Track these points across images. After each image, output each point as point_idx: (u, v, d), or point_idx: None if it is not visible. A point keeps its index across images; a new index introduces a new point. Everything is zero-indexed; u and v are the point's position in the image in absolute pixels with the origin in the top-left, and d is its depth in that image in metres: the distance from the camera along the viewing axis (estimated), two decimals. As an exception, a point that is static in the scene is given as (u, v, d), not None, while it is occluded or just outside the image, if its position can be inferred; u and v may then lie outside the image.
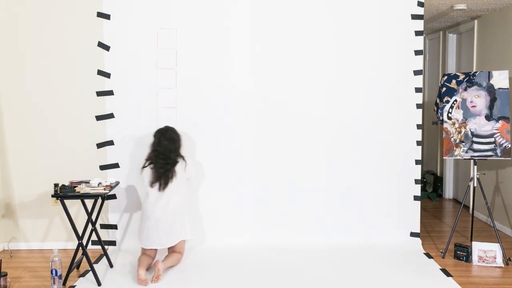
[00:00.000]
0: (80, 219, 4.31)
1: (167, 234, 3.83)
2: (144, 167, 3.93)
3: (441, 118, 4.35)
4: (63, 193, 3.55)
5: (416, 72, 4.47)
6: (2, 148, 4.42)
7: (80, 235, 3.63)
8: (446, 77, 4.37)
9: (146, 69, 4.38)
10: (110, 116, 4.41)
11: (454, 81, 4.33)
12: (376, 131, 4.49)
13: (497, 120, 4.20)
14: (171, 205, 3.84)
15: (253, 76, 4.44)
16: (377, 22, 4.43)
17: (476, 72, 4.31)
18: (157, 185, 3.85)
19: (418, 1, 4.42)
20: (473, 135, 4.23)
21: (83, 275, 3.78)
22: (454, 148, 4.27)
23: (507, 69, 4.43)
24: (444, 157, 4.37)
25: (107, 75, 4.38)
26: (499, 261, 4.02)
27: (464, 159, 4.46)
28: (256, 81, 4.44)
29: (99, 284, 3.58)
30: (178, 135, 4.02)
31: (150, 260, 3.82)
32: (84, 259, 3.80)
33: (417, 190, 4.54)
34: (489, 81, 4.25)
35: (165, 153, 3.90)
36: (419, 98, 4.48)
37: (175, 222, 3.85)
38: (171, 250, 3.95)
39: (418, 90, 4.48)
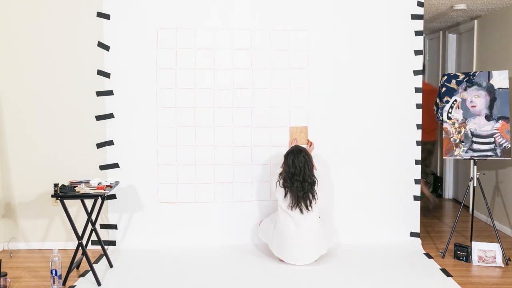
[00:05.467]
0: (80, 219, 4.31)
1: (309, 252, 3.90)
2: (278, 183, 3.95)
3: (441, 118, 4.36)
4: (63, 193, 3.55)
5: (416, 72, 4.47)
6: (2, 148, 4.41)
7: (80, 235, 3.63)
8: (446, 77, 4.37)
9: (146, 69, 4.38)
10: (110, 116, 4.41)
11: (454, 81, 4.33)
12: (376, 131, 4.49)
13: (497, 120, 4.20)
14: (312, 227, 3.90)
15: (254, 76, 4.44)
16: (377, 22, 4.43)
17: (476, 72, 4.32)
18: (297, 209, 3.86)
19: (418, 1, 4.42)
20: (473, 135, 4.23)
21: (83, 275, 3.78)
22: (454, 148, 4.27)
23: (507, 69, 4.43)
24: (444, 157, 4.37)
25: (107, 75, 4.38)
26: (499, 261, 4.02)
27: (464, 159, 4.46)
28: (256, 81, 4.44)
29: (99, 284, 3.58)
30: (309, 156, 3.98)
31: None
32: (84, 259, 3.79)
33: (417, 190, 4.54)
34: (489, 81, 4.25)
35: (301, 175, 3.87)
36: (419, 98, 4.48)
37: (315, 241, 3.91)
38: None
39: (418, 90, 4.48)
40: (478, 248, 4.08)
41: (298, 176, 3.86)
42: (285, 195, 3.90)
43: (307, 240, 3.89)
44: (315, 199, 3.90)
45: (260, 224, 4.29)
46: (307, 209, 3.86)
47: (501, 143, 4.18)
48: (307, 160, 3.91)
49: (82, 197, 3.56)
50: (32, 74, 4.38)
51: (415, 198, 4.54)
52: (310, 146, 4.32)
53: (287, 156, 3.96)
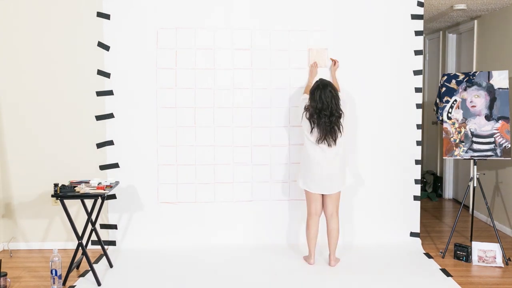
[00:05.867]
0: (80, 219, 4.31)
1: (332, 183, 3.90)
2: (304, 115, 3.89)
3: (440, 118, 4.35)
4: (63, 193, 3.55)
5: (416, 72, 4.47)
6: (2, 148, 4.41)
7: (80, 235, 3.63)
8: (446, 77, 4.37)
9: (146, 69, 4.38)
10: (110, 116, 4.41)
11: (454, 81, 4.33)
12: (376, 131, 4.49)
13: (497, 120, 4.20)
14: (338, 158, 3.89)
15: (254, 76, 4.44)
16: (377, 22, 4.43)
17: (476, 72, 4.32)
18: (325, 142, 3.83)
19: (418, 1, 4.42)
20: (473, 135, 4.23)
21: (83, 275, 3.78)
22: (454, 148, 4.27)
23: (507, 69, 4.43)
24: (444, 157, 4.37)
25: (107, 75, 4.38)
26: (499, 261, 4.02)
27: (464, 159, 4.46)
28: (256, 81, 4.44)
29: (99, 284, 3.58)
30: (335, 89, 3.90)
31: (317, 226, 4.02)
32: (84, 259, 3.79)
33: (417, 190, 4.54)
34: (489, 81, 4.25)
35: (328, 110, 3.79)
36: (419, 98, 4.48)
37: (339, 172, 3.92)
38: (329, 209, 3.99)
39: (418, 90, 4.48)
40: (478, 248, 4.08)
41: (325, 111, 3.79)
42: (312, 130, 3.85)
43: (333, 170, 3.88)
44: (340, 132, 3.85)
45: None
46: (335, 143, 3.83)
47: (501, 143, 4.18)
48: (334, 95, 3.83)
49: (82, 197, 3.56)
50: (32, 74, 4.37)
51: (415, 198, 4.54)
52: (334, 65, 4.32)
53: (313, 91, 3.86)
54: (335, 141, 3.84)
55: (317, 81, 3.93)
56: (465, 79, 4.30)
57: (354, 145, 4.48)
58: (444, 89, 4.34)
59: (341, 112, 3.86)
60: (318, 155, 3.87)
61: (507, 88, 4.21)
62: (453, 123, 4.29)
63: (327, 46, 4.43)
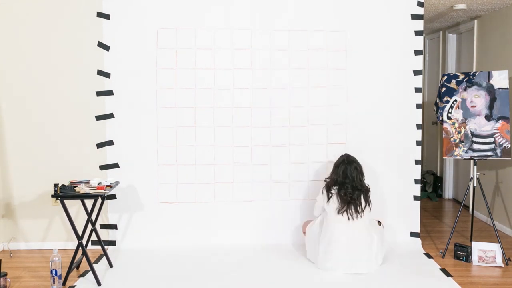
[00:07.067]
0: (80, 219, 4.30)
1: (352, 262, 3.75)
2: (324, 191, 3.86)
3: (440, 118, 4.35)
4: (63, 193, 3.55)
5: (416, 72, 4.47)
6: (2, 148, 4.41)
7: (80, 235, 3.63)
8: (445, 77, 4.37)
9: (146, 69, 4.38)
10: (110, 116, 4.41)
11: (454, 81, 4.33)
12: (376, 131, 4.49)
13: (497, 120, 4.20)
14: (361, 236, 3.77)
15: (254, 76, 4.44)
16: (377, 22, 4.43)
17: (476, 72, 4.31)
18: (345, 214, 3.76)
19: (418, 1, 4.42)
20: (473, 135, 4.23)
21: (83, 275, 3.78)
22: (454, 148, 4.27)
23: (507, 69, 4.43)
24: (444, 157, 4.37)
25: (107, 75, 4.38)
26: (499, 261, 4.01)
27: (464, 159, 4.46)
28: (256, 81, 4.44)
29: (99, 284, 3.58)
30: (361, 166, 3.91)
31: None
32: (84, 259, 3.79)
33: (417, 190, 4.54)
34: (489, 81, 4.25)
35: (350, 183, 3.80)
36: (419, 98, 4.48)
37: (363, 253, 3.76)
38: None
39: (418, 90, 4.48)
40: (478, 248, 4.08)
41: (347, 184, 3.79)
42: (329, 199, 3.80)
43: (356, 247, 3.74)
44: (368, 205, 3.81)
45: (306, 231, 4.13)
46: (356, 214, 3.75)
47: (501, 143, 4.18)
48: (358, 171, 3.84)
49: (82, 197, 3.56)
50: (32, 74, 4.37)
51: (415, 198, 4.54)
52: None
53: (338, 165, 3.87)
54: (356, 215, 3.74)
55: (342, 156, 3.94)
56: (465, 79, 4.30)
57: (354, 145, 4.47)
58: (444, 89, 4.34)
59: (367, 186, 3.85)
60: (337, 234, 3.74)
61: (507, 88, 4.21)
62: (453, 123, 4.29)
63: (327, 46, 4.43)
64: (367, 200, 3.83)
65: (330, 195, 3.82)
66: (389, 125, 4.49)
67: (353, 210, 3.77)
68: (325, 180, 3.97)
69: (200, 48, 4.40)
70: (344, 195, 3.77)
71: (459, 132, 4.26)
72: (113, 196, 4.42)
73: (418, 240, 4.51)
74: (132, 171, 4.42)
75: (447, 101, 4.32)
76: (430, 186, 6.62)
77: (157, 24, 4.36)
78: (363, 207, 3.80)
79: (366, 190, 3.85)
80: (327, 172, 4.47)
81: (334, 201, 3.81)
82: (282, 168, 4.50)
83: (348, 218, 3.77)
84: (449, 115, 4.30)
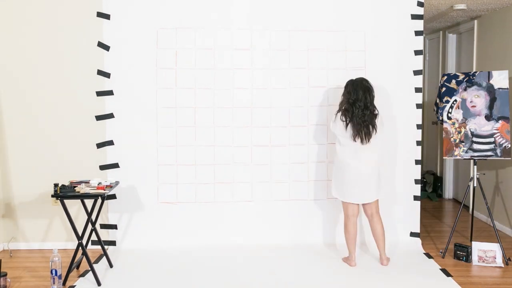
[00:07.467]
0: (80, 219, 4.31)
1: (368, 190, 3.80)
2: (338, 115, 3.84)
3: (441, 118, 4.35)
4: (63, 193, 3.55)
5: (416, 72, 4.47)
6: (2, 148, 4.41)
7: (80, 235, 3.63)
8: (445, 77, 4.37)
9: (146, 69, 4.38)
10: (110, 116, 4.41)
11: (454, 81, 4.33)
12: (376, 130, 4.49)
13: (497, 120, 4.20)
14: (372, 160, 3.81)
15: (254, 76, 4.44)
16: (376, 22, 4.43)
17: (476, 72, 4.32)
18: (359, 139, 3.76)
19: (418, 1, 4.42)
20: (473, 135, 4.23)
21: (83, 275, 3.78)
22: (454, 148, 4.27)
23: (507, 69, 4.43)
24: (444, 157, 4.37)
25: (107, 75, 4.38)
26: (499, 261, 4.02)
27: (464, 159, 4.46)
28: (256, 81, 4.44)
29: (99, 284, 3.58)
30: (371, 85, 3.85)
31: (356, 226, 3.94)
32: (84, 259, 3.79)
33: (417, 190, 4.54)
34: (489, 81, 4.25)
35: (363, 104, 3.75)
36: (419, 98, 4.48)
37: (373, 178, 3.82)
38: (369, 210, 3.94)
39: (418, 90, 4.48)
40: (478, 248, 4.08)
41: (359, 102, 3.76)
42: (346, 127, 3.78)
43: (368, 171, 3.79)
44: (375, 130, 3.78)
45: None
46: (367, 139, 3.74)
47: (501, 143, 4.18)
48: (368, 87, 3.80)
49: (82, 197, 3.56)
50: (32, 74, 4.37)
51: (415, 198, 4.54)
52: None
53: (347, 85, 3.86)
54: (368, 138, 3.76)
55: (351, 79, 3.92)
56: (465, 79, 4.30)
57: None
58: (444, 89, 4.34)
59: (376, 111, 3.83)
60: (352, 158, 3.79)
61: (507, 88, 4.21)
62: (453, 123, 4.29)
63: (327, 46, 4.43)
64: (374, 125, 3.78)
65: (346, 120, 3.78)
66: (389, 125, 4.48)
67: (363, 133, 3.75)
68: (339, 107, 3.89)
69: (200, 48, 4.40)
70: (357, 118, 3.74)
71: (459, 132, 4.26)
72: (113, 196, 4.42)
73: (418, 240, 4.51)
74: (132, 171, 4.42)
75: (447, 101, 4.32)
76: (430, 186, 6.62)
77: (157, 24, 4.36)
78: (372, 132, 3.77)
79: (373, 114, 3.80)
80: (327, 172, 4.48)
81: (349, 128, 3.78)
82: (282, 168, 4.50)
83: (362, 142, 3.75)
84: (449, 115, 4.30)
